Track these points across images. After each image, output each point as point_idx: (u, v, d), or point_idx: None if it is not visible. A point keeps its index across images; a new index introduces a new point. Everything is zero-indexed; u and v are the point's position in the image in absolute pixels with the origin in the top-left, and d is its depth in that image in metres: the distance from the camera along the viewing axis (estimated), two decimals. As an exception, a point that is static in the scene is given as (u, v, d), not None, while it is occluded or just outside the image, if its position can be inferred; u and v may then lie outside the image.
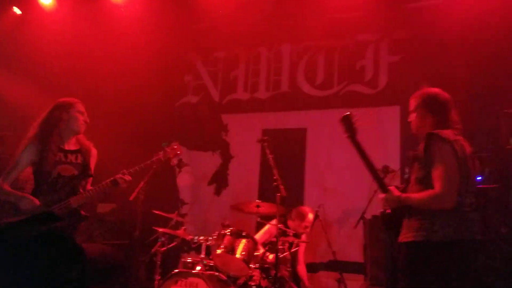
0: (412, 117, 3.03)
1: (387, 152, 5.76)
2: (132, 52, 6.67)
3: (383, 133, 5.90)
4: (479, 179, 4.26)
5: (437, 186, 2.60)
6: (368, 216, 5.03)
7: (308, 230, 5.14)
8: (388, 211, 2.89)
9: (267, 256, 4.70)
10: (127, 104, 6.77)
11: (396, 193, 2.83)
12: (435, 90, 2.96)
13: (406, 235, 2.73)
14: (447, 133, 2.72)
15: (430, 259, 2.56)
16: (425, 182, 2.70)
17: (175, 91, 7.34)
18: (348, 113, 3.05)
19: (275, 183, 4.45)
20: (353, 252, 5.58)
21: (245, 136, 6.67)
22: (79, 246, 1.91)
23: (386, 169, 5.06)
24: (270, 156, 4.67)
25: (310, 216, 5.18)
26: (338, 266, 5.10)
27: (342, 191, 5.95)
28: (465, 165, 2.70)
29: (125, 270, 4.62)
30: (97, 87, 6.63)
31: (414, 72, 5.72)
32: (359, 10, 6.10)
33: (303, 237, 5.16)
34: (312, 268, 5.90)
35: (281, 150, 5.89)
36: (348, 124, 3.04)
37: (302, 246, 5.29)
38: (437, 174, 2.63)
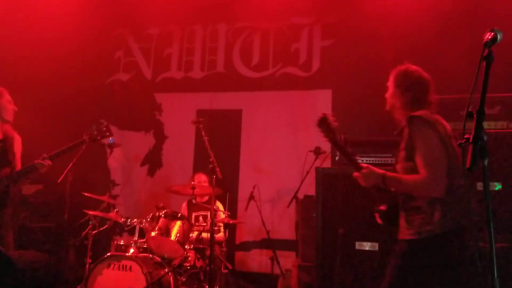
0: (387, 93, 2.83)
1: (319, 134, 5.94)
2: (57, 27, 6.29)
3: (316, 116, 6.06)
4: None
5: (423, 172, 2.44)
6: (300, 196, 5.20)
7: (197, 190, 4.92)
8: (383, 207, 2.74)
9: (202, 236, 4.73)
10: (54, 83, 6.41)
11: (378, 170, 2.64)
12: (413, 67, 2.77)
13: (406, 232, 2.54)
14: (425, 114, 2.56)
15: (430, 254, 2.44)
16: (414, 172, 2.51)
17: (105, 68, 7.05)
18: (323, 115, 2.83)
19: (211, 165, 4.46)
20: (285, 230, 5.76)
21: (179, 116, 6.59)
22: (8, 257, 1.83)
23: (318, 151, 5.24)
24: (205, 138, 4.66)
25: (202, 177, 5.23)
26: (271, 244, 5.26)
27: (276, 172, 6.08)
28: (451, 145, 2.54)
29: (57, 277, 4.50)
30: (20, 67, 6.19)
31: (345, 57, 5.92)
32: (293, -7, 6.16)
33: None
34: (246, 246, 6.03)
35: (216, 131, 5.92)
36: (325, 126, 2.84)
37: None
38: (421, 160, 2.46)
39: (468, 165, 1.73)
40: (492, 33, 1.81)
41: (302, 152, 5.40)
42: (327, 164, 5.12)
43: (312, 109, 6.07)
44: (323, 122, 2.84)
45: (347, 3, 6.01)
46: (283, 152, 6.07)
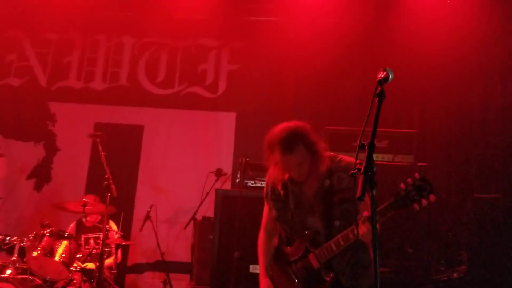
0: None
1: (221, 155, 5.98)
2: None
3: (219, 137, 6.10)
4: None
5: None
6: (198, 217, 5.15)
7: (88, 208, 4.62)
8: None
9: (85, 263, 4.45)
10: None
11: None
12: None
13: None
14: None
15: None
16: None
17: (-6, 70, 6.46)
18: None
19: (106, 182, 4.25)
20: (181, 252, 5.64)
21: (75, 128, 6.19)
22: None
23: (219, 172, 5.26)
24: (102, 153, 4.44)
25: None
26: (165, 266, 5.10)
27: (174, 191, 5.96)
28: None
29: None
30: None
31: (251, 82, 6.08)
32: (202, 14, 6.18)
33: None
34: (138, 269, 5.79)
35: (114, 146, 5.67)
36: None
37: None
38: None
39: (358, 194, 1.82)
40: (385, 73, 1.95)
41: (203, 173, 5.39)
42: (227, 186, 5.16)
43: (216, 130, 6.10)
44: None
45: (254, 30, 6.18)
46: (184, 171, 5.98)
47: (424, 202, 2.17)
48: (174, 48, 6.46)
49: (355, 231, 2.29)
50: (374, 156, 1.86)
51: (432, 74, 5.52)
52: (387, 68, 1.97)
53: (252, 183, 4.42)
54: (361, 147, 1.94)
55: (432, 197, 2.17)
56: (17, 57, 6.57)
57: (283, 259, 2.62)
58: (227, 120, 6.14)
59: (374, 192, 1.88)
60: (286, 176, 2.55)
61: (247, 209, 3.95)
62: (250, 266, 3.95)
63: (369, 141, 1.89)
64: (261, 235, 2.74)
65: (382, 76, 1.94)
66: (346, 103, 5.38)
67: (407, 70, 5.21)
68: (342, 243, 2.35)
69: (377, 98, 1.90)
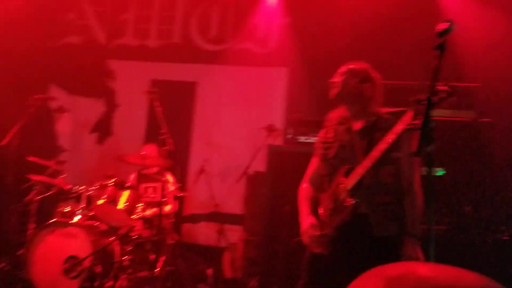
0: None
1: (273, 111, 6.02)
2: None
3: (271, 93, 6.12)
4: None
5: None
6: (250, 172, 5.28)
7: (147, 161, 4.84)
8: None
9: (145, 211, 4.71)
10: (1, 44, 6.03)
11: None
12: None
13: None
14: None
15: None
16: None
17: (56, 30, 6.71)
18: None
19: (163, 136, 4.42)
20: (234, 205, 5.84)
21: (132, 85, 6.41)
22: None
23: (271, 128, 5.30)
24: (158, 109, 4.60)
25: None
26: (219, 217, 5.32)
27: (227, 146, 6.10)
28: None
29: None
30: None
31: (304, 35, 5.95)
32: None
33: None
34: (193, 219, 6.07)
35: (169, 102, 5.82)
36: None
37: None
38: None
39: (414, 149, 1.83)
40: (448, 23, 1.88)
41: (255, 129, 5.45)
42: (279, 142, 5.21)
43: (268, 86, 6.11)
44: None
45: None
46: (236, 127, 6.09)
47: None
48: (226, 3, 6.43)
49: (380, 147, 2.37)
50: (433, 111, 1.83)
51: (497, 23, 5.17)
52: (449, 19, 1.91)
53: (305, 139, 4.45)
54: (419, 102, 1.93)
55: None
56: (76, 16, 6.79)
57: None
58: (279, 76, 6.11)
59: (431, 148, 1.87)
60: (339, 117, 2.68)
61: (299, 164, 4.01)
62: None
63: (427, 95, 1.87)
64: (304, 185, 2.82)
65: (444, 27, 1.88)
66: (403, 56, 5.19)
67: (471, 19, 4.91)
68: (367, 163, 2.40)
69: (438, 51, 1.86)
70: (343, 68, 2.68)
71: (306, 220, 2.63)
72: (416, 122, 1.86)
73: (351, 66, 2.67)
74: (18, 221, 5.08)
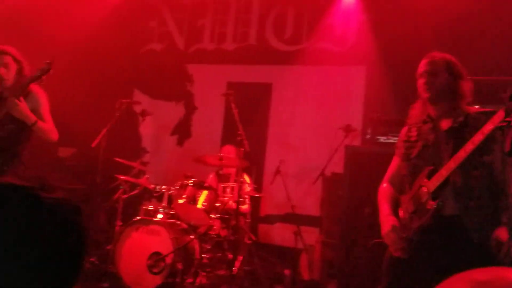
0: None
1: (350, 111, 5.88)
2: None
3: (348, 93, 6.00)
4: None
5: None
6: (327, 173, 5.20)
7: (224, 162, 4.90)
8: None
9: (229, 203, 4.77)
10: (89, 50, 6.48)
11: None
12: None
13: None
14: None
15: None
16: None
17: (139, 38, 7.10)
18: None
19: (239, 138, 4.49)
20: (310, 206, 5.78)
21: (209, 87, 6.60)
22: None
23: (348, 128, 5.19)
24: (235, 111, 4.67)
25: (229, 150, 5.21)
26: (295, 219, 5.30)
27: (303, 147, 6.07)
28: None
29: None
30: (54, 34, 6.24)
31: (382, 33, 5.76)
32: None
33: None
34: (270, 220, 6.10)
35: (245, 104, 5.91)
36: None
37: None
38: None
39: (507, 148, 1.70)
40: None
41: (332, 129, 5.36)
42: (357, 142, 5.09)
43: (345, 85, 5.99)
44: None
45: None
46: (312, 128, 6.04)
47: None
48: (301, 3, 6.40)
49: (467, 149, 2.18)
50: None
51: None
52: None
53: (385, 139, 4.30)
54: (510, 98, 1.79)
55: None
56: (157, 23, 7.13)
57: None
58: (357, 74, 5.96)
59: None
60: (423, 115, 2.53)
61: (377, 165, 3.87)
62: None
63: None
64: (384, 184, 2.71)
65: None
66: (492, 51, 4.85)
67: None
68: (452, 165, 2.23)
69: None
70: (430, 58, 2.49)
71: (388, 221, 2.52)
72: (508, 119, 1.72)
73: (441, 59, 2.48)
74: (106, 218, 5.43)
